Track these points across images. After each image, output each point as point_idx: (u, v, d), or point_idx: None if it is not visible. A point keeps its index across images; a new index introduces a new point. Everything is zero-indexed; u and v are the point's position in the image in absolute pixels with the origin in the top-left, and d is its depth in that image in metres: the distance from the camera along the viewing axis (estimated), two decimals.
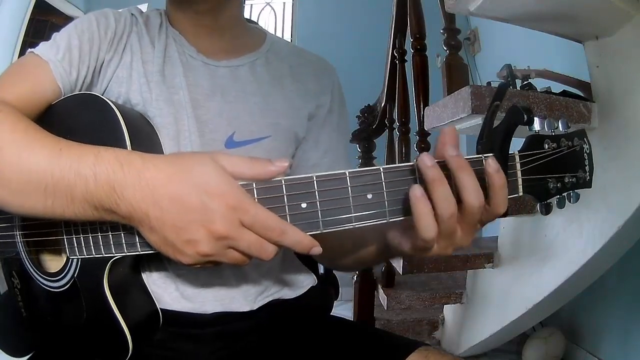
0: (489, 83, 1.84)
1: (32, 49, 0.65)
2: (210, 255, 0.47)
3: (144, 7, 0.76)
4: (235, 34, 0.75)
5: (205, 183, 0.45)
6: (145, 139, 0.63)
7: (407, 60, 1.99)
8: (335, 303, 0.85)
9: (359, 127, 2.28)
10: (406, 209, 0.48)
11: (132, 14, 0.72)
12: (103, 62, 0.67)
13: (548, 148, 0.50)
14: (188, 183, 0.46)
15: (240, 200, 0.45)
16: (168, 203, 0.46)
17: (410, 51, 1.84)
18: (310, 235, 0.48)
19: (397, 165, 0.49)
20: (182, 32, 0.72)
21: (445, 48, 1.72)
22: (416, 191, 0.46)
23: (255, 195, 0.48)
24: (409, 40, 1.84)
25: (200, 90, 0.69)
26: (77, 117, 0.62)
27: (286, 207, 0.48)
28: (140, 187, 0.46)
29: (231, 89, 0.71)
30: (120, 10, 0.71)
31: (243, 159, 0.48)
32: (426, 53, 1.78)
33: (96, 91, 0.67)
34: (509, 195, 0.49)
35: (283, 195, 0.48)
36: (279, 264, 0.74)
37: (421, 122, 1.65)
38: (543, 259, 1.42)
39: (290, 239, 0.47)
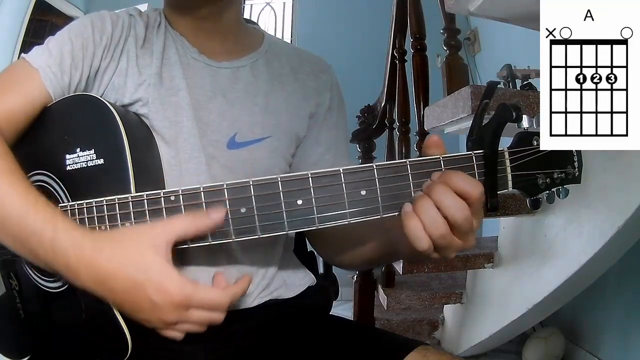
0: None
1: (24, 54, 0.65)
2: (165, 329, 0.55)
3: (143, 7, 0.75)
4: (235, 35, 0.75)
5: (148, 281, 0.51)
6: (142, 142, 0.63)
7: (407, 60, 1.99)
8: (335, 303, 0.85)
9: (359, 127, 2.28)
10: (399, 205, 0.49)
11: (130, 15, 0.71)
12: (98, 69, 0.66)
13: (537, 144, 0.51)
14: (135, 280, 0.52)
15: (183, 295, 0.52)
16: (121, 295, 0.53)
17: (410, 51, 1.84)
18: (305, 230, 0.51)
19: (390, 162, 0.50)
20: (183, 34, 0.72)
21: (445, 48, 1.72)
22: (406, 207, 0.49)
23: (252, 193, 0.50)
24: (409, 40, 1.84)
25: (201, 92, 0.69)
26: (75, 118, 0.62)
27: (282, 204, 0.50)
28: (92, 276, 0.52)
29: (233, 90, 0.71)
30: (118, 11, 0.70)
31: (181, 223, 0.53)
32: (426, 53, 1.79)
33: None
34: (499, 190, 0.51)
35: (279, 193, 0.50)
36: (277, 262, 0.74)
37: (421, 122, 1.65)
38: (543, 258, 1.42)
39: (235, 299, 0.56)
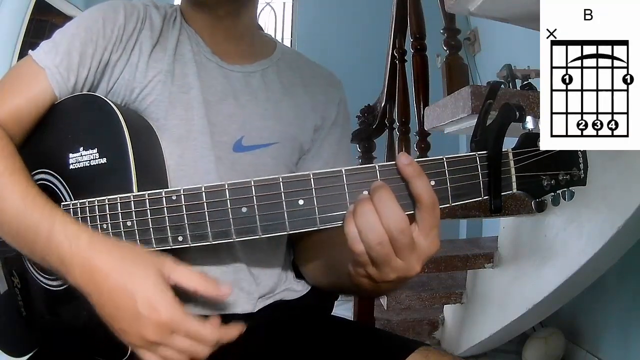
0: (489, 83, 1.84)
1: (31, 52, 0.64)
2: (142, 348, 0.51)
3: None
4: (249, 40, 0.75)
5: (141, 291, 0.49)
6: (145, 142, 0.63)
7: (407, 60, 1.99)
8: (335, 303, 0.85)
9: (359, 127, 2.28)
10: (401, 206, 0.48)
11: (146, 5, 0.69)
12: (108, 62, 0.65)
13: None
14: (126, 286, 0.50)
15: (171, 318, 0.49)
16: (107, 296, 0.50)
17: (410, 51, 1.84)
18: (307, 231, 0.50)
19: (392, 162, 0.49)
20: (198, 32, 0.71)
21: (445, 48, 1.72)
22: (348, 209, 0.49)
23: (254, 193, 0.50)
24: (409, 40, 1.85)
25: (212, 92, 0.69)
26: (78, 118, 0.62)
27: (284, 203, 0.50)
28: (84, 272, 0.51)
29: (243, 93, 0.70)
30: (134, 1, 0.68)
31: (190, 274, 0.52)
32: (426, 53, 1.79)
33: (101, 90, 0.66)
34: (503, 191, 0.50)
35: (280, 193, 0.50)
36: (281, 266, 0.74)
37: (421, 122, 1.65)
38: (543, 259, 1.42)
39: (222, 342, 0.53)
